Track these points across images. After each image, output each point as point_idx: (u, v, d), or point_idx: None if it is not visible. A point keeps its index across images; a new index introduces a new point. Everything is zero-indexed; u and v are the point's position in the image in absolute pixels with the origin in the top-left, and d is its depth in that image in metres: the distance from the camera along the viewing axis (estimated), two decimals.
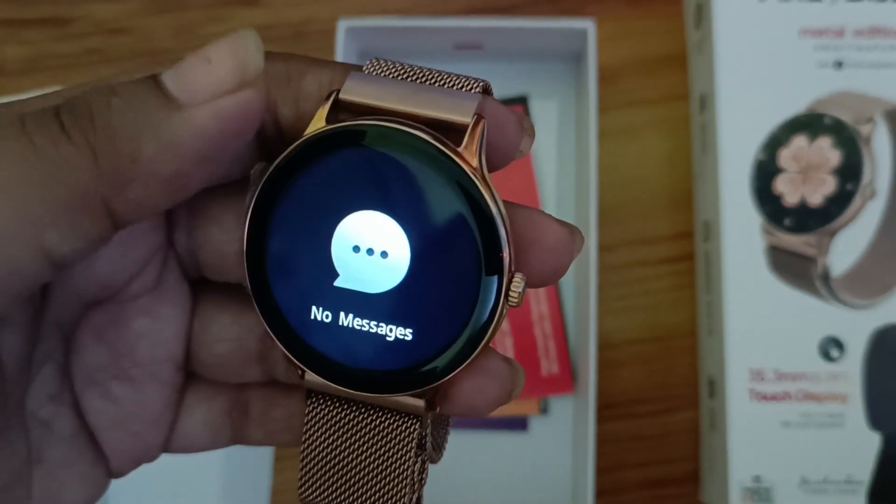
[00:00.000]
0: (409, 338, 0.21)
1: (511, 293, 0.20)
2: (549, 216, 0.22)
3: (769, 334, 0.42)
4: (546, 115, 0.48)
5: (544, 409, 0.47)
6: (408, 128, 0.20)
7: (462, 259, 0.20)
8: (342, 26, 0.44)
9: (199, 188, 0.20)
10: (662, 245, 0.48)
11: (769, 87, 0.43)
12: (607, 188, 0.47)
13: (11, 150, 0.17)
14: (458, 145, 0.20)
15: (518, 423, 0.47)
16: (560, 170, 0.48)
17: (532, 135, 0.22)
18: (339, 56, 0.44)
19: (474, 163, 0.20)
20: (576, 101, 0.48)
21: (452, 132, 0.20)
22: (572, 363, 0.47)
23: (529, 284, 0.21)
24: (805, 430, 0.42)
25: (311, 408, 0.22)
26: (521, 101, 0.48)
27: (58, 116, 0.18)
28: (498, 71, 0.49)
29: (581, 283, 0.46)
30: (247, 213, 0.21)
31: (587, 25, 0.44)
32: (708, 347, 0.45)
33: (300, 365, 0.21)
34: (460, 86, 0.21)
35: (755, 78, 0.43)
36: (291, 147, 0.21)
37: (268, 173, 0.21)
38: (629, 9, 0.50)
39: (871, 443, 0.41)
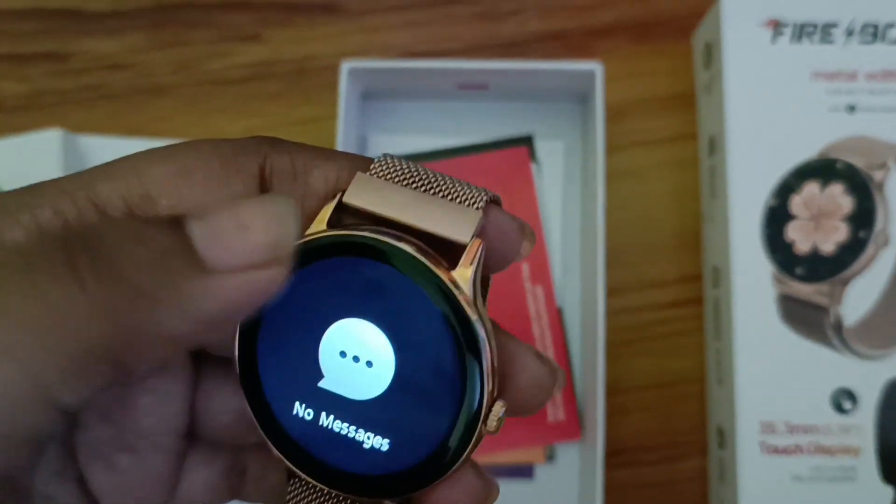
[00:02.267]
0: (385, 448, 0.21)
1: (489, 420, 0.20)
2: (533, 352, 0.22)
3: (780, 385, 0.41)
4: (552, 154, 0.48)
5: (550, 457, 0.46)
6: (403, 244, 0.20)
7: (444, 382, 0.20)
8: (345, 68, 0.43)
9: (200, 346, 0.20)
10: (670, 288, 0.47)
11: (780, 131, 0.43)
12: (613, 230, 0.47)
13: (17, 305, 0.16)
14: (456, 261, 0.20)
15: (524, 471, 0.46)
16: (565, 210, 0.47)
17: (533, 240, 0.22)
18: (342, 93, 0.43)
19: (466, 285, 0.20)
20: (582, 141, 0.48)
21: (451, 247, 0.20)
22: (579, 409, 0.46)
23: (509, 412, 0.21)
24: (817, 485, 0.41)
25: (292, 489, 0.22)
26: (526, 142, 0.47)
27: (70, 256, 0.17)
28: (503, 110, 0.48)
29: (588, 327, 0.45)
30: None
31: (594, 68, 0.43)
32: (717, 397, 0.44)
33: (281, 457, 0.21)
34: (464, 198, 0.21)
35: (766, 121, 0.43)
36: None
37: None
38: (637, 47, 0.49)
39: (885, 497, 0.40)
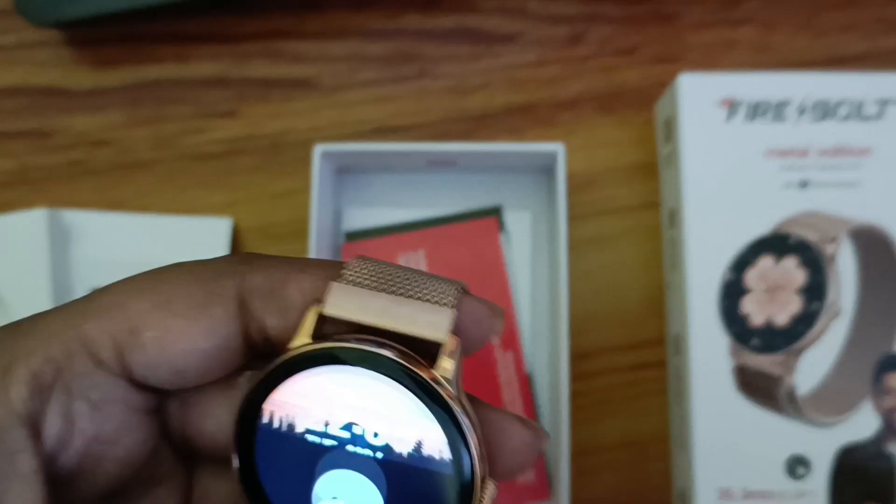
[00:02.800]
0: None
1: (483, 499, 0.22)
2: (516, 418, 0.23)
3: (737, 452, 0.43)
4: (520, 224, 0.49)
5: None
6: (385, 350, 0.22)
7: (438, 478, 0.22)
8: (318, 150, 0.45)
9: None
10: (636, 352, 0.49)
11: (736, 206, 0.44)
12: (581, 296, 0.48)
13: None
14: (435, 355, 0.22)
15: None
16: (534, 277, 0.49)
17: (502, 319, 0.24)
18: (315, 174, 0.45)
19: (451, 376, 0.22)
20: (548, 211, 0.49)
21: (432, 344, 0.22)
22: (548, 471, 0.48)
23: (501, 477, 0.23)
24: None
25: None
26: (495, 212, 0.49)
27: None
28: (471, 183, 0.50)
29: (556, 391, 0.47)
30: (237, 418, 0.23)
31: (556, 148, 0.45)
32: (678, 461, 0.46)
33: None
34: (436, 297, 0.23)
35: (722, 197, 0.44)
36: (276, 363, 0.22)
37: (255, 384, 0.22)
38: (601, 117, 0.51)
39: None
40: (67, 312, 0.22)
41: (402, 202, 0.50)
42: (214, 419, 0.24)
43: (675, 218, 0.46)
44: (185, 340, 0.22)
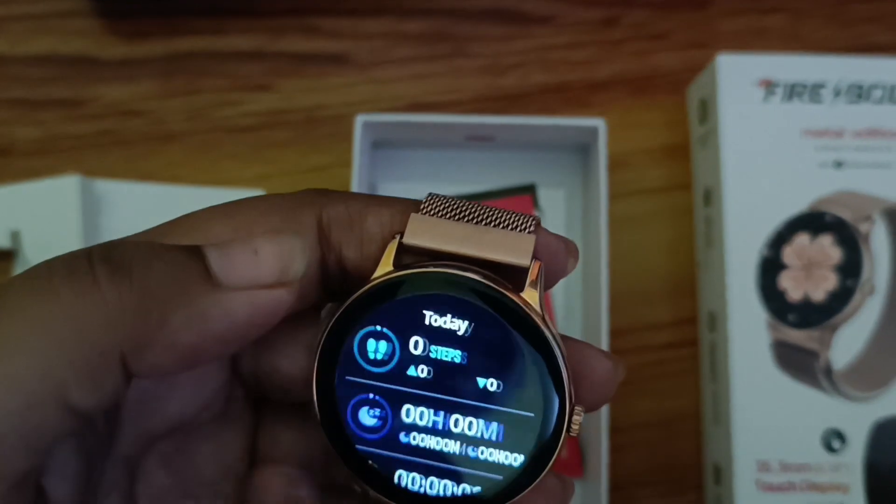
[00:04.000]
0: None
1: (573, 424, 0.22)
2: (597, 349, 0.23)
3: (774, 426, 0.43)
4: (554, 203, 0.50)
5: None
6: (471, 273, 0.22)
7: (528, 394, 0.22)
8: (359, 120, 0.45)
9: (208, 363, 0.21)
10: (666, 331, 0.50)
11: (773, 185, 0.45)
12: (612, 275, 0.49)
13: (36, 306, 0.18)
14: (518, 282, 0.22)
15: None
16: None
17: (576, 255, 0.24)
18: (357, 145, 0.45)
19: (536, 304, 0.22)
20: (583, 190, 0.50)
21: (512, 270, 0.22)
22: (581, 447, 0.48)
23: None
24: None
25: None
26: (529, 190, 0.49)
27: (90, 263, 0.18)
28: (507, 160, 0.50)
29: None
30: (317, 352, 0.22)
31: (598, 124, 0.45)
32: (714, 435, 0.46)
33: (369, 489, 0.23)
34: (515, 225, 0.23)
35: (760, 175, 0.45)
36: (363, 289, 0.22)
37: (339, 313, 0.22)
38: (633, 99, 0.51)
39: None
40: (149, 233, 0.22)
41: (437, 177, 0.50)
42: (288, 358, 0.24)
43: (711, 196, 0.47)
44: None
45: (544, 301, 0.22)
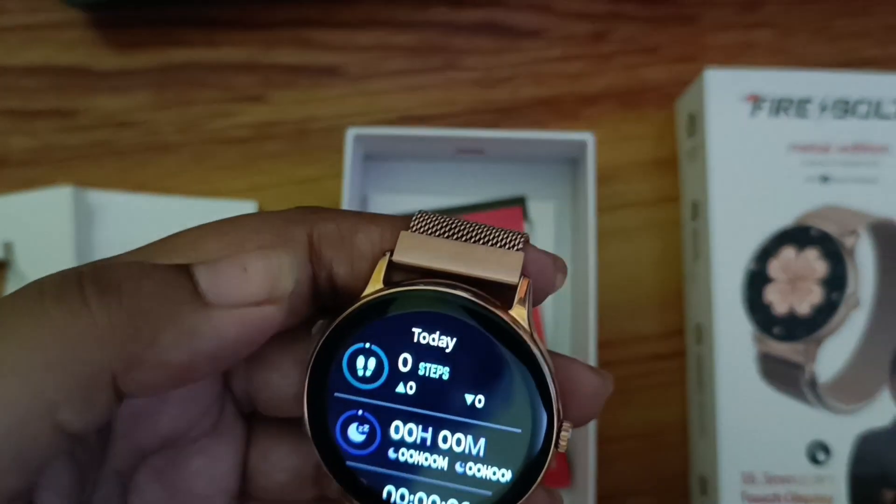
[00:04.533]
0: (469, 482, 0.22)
1: (561, 441, 0.22)
2: (585, 365, 0.24)
3: (760, 438, 0.44)
4: (543, 215, 0.50)
5: None
6: (460, 291, 0.22)
7: (515, 410, 0.22)
8: (350, 134, 0.45)
9: (198, 381, 0.21)
10: (654, 343, 0.50)
11: (760, 199, 0.46)
12: (601, 287, 0.49)
13: (27, 327, 0.18)
14: (507, 299, 0.22)
15: None
16: None
17: (564, 271, 0.24)
18: (348, 158, 0.45)
19: (524, 321, 0.22)
20: (572, 202, 0.50)
21: (501, 288, 0.22)
22: (569, 458, 0.48)
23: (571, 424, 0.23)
24: None
25: None
26: (519, 202, 0.50)
27: (80, 285, 0.18)
28: (497, 172, 0.50)
29: None
30: (307, 368, 0.23)
31: (586, 138, 0.46)
32: (700, 447, 0.47)
33: None
34: (504, 243, 0.23)
35: (746, 189, 0.46)
36: (352, 308, 0.22)
37: (330, 329, 0.23)
38: (623, 112, 0.52)
39: None
40: (141, 251, 0.22)
41: (428, 190, 0.50)
42: (279, 373, 0.24)
43: (698, 210, 0.47)
44: None
45: (532, 317, 0.23)
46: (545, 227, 0.50)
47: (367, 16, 0.52)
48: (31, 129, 0.51)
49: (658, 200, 0.51)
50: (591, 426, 0.44)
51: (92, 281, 0.19)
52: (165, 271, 0.20)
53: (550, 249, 0.49)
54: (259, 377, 0.24)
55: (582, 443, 0.45)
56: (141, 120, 0.51)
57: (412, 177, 0.50)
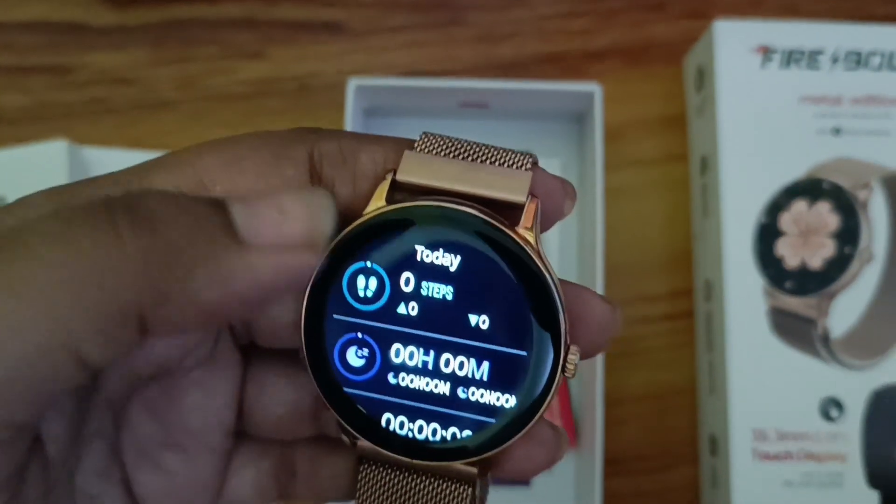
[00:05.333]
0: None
1: (567, 365, 0.21)
2: (595, 293, 0.23)
3: (771, 395, 0.43)
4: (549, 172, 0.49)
5: None
6: (467, 207, 0.21)
7: (521, 332, 0.21)
8: (352, 85, 0.45)
9: (225, 324, 0.20)
10: (662, 303, 0.49)
11: (770, 152, 0.45)
12: (608, 246, 0.48)
13: (53, 251, 0.17)
14: (514, 220, 0.21)
15: (521, 480, 0.47)
16: (562, 227, 0.49)
17: (574, 197, 0.23)
18: (349, 110, 0.44)
19: (532, 240, 0.21)
20: (578, 160, 0.49)
21: (507, 208, 0.21)
22: (575, 419, 0.47)
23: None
24: (806, 490, 0.42)
25: (363, 473, 0.23)
26: None
27: (111, 212, 0.17)
28: (501, 129, 0.49)
29: None
30: (306, 289, 0.22)
31: (594, 89, 0.45)
32: (709, 406, 0.46)
33: (356, 434, 0.22)
34: (511, 163, 0.22)
35: (757, 142, 0.45)
36: (354, 225, 0.21)
37: (329, 249, 0.21)
38: (630, 70, 0.51)
39: (871, 501, 0.42)
40: (137, 167, 0.21)
41: None
42: (279, 301, 0.23)
43: (707, 164, 0.46)
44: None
45: (540, 240, 0.21)
46: None
47: None
48: (26, 86, 0.50)
49: (666, 159, 0.50)
50: (598, 388, 0.43)
51: (125, 210, 0.17)
52: (202, 206, 0.18)
53: None
54: None
55: (589, 405, 0.44)
56: (138, 77, 0.50)
57: (415, 132, 0.49)
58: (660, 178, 0.50)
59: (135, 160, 0.51)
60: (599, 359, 0.43)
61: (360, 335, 0.22)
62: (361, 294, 0.22)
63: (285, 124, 0.49)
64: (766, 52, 0.45)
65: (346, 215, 0.22)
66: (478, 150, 0.22)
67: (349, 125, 0.44)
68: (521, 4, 0.51)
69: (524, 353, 0.21)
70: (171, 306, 0.18)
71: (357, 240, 0.21)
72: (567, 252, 0.49)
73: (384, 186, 0.21)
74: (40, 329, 0.16)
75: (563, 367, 0.21)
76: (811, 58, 0.45)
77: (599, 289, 0.44)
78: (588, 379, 0.45)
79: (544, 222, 0.22)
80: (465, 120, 0.49)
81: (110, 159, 0.48)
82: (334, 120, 0.49)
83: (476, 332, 0.21)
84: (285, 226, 0.19)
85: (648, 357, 0.49)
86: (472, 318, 0.21)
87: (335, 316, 0.22)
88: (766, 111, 0.45)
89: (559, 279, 0.22)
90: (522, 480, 0.40)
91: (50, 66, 0.51)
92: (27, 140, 0.49)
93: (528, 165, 0.22)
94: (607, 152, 0.49)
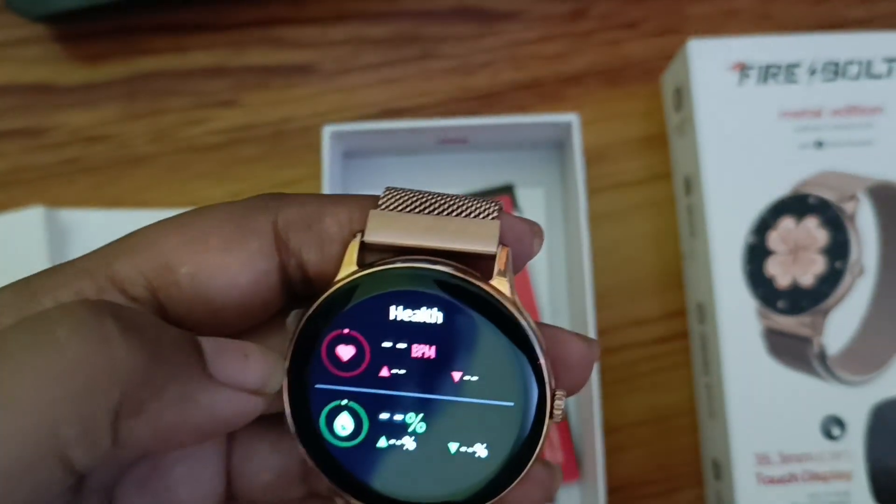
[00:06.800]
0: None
1: (555, 410, 0.21)
2: (571, 333, 0.23)
3: (771, 417, 0.42)
4: (533, 202, 0.49)
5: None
6: (438, 265, 0.21)
7: (505, 383, 0.21)
8: (327, 131, 0.44)
9: (167, 451, 0.21)
10: (655, 325, 0.48)
11: (754, 170, 0.44)
12: (597, 271, 0.48)
13: (39, 357, 0.16)
14: (486, 269, 0.21)
15: None
16: (550, 255, 0.48)
17: (542, 237, 0.23)
18: (326, 157, 0.44)
19: (507, 291, 0.21)
20: (562, 186, 0.49)
21: (479, 259, 0.21)
22: (576, 450, 0.47)
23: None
24: None
25: None
26: (507, 191, 0.48)
27: (99, 318, 0.17)
28: (482, 161, 0.49)
29: None
30: (287, 358, 0.22)
31: (571, 119, 0.44)
32: (710, 430, 0.45)
33: (349, 498, 0.22)
34: (478, 212, 0.22)
35: (739, 160, 0.44)
36: (328, 293, 0.21)
37: (304, 319, 0.22)
38: (608, 91, 0.50)
39: None
40: (97, 253, 0.21)
41: (413, 183, 0.48)
42: None
43: (691, 185, 0.46)
44: (221, 275, 0.21)
45: (514, 287, 0.21)
46: (535, 214, 0.49)
47: (337, 10, 0.51)
48: (1, 151, 0.50)
49: (650, 178, 0.50)
50: (597, 415, 0.43)
51: (113, 316, 0.18)
52: (179, 333, 0.19)
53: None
54: None
55: (588, 434, 0.44)
56: (111, 133, 0.50)
57: (395, 172, 0.49)
58: (646, 198, 0.49)
59: (113, 220, 0.50)
60: (596, 386, 0.43)
61: (345, 402, 0.22)
62: (342, 361, 0.22)
63: (263, 171, 0.49)
64: (743, 69, 0.45)
65: (317, 282, 0.22)
66: (443, 202, 0.22)
67: (326, 171, 0.44)
68: (492, 33, 0.51)
69: (511, 403, 0.21)
70: (139, 418, 0.18)
71: (332, 307, 0.21)
72: (557, 280, 0.48)
73: (353, 249, 0.21)
74: (30, 442, 0.16)
75: (552, 412, 0.21)
76: (788, 71, 0.45)
77: (590, 314, 0.43)
78: (586, 408, 0.44)
79: (516, 264, 0.23)
80: (445, 154, 0.49)
81: (88, 221, 0.48)
82: (312, 163, 0.49)
83: (460, 388, 0.21)
84: (247, 369, 0.20)
85: (646, 380, 0.48)
86: (456, 375, 0.21)
87: (317, 385, 0.22)
88: (747, 129, 0.44)
89: (536, 323, 0.22)
90: None
91: (22, 129, 0.50)
92: (4, 206, 0.48)
93: (495, 213, 0.22)
94: (591, 175, 0.49)
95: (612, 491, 0.46)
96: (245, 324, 0.23)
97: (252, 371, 0.20)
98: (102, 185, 0.49)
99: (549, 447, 0.47)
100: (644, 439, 0.48)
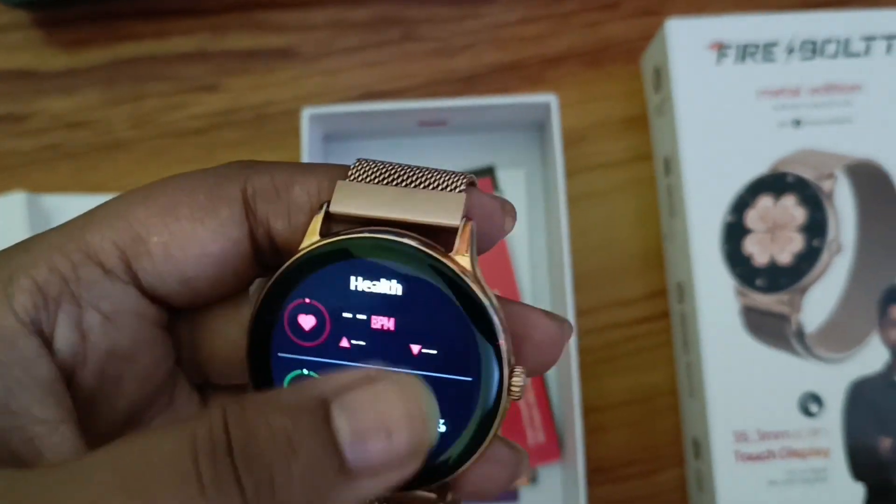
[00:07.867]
0: None
1: (513, 388, 0.21)
2: (540, 311, 0.23)
3: (749, 394, 0.43)
4: (514, 183, 0.49)
5: (533, 479, 0.47)
6: (401, 237, 0.21)
7: (465, 358, 0.21)
8: (306, 114, 0.44)
9: None
10: (637, 305, 0.49)
11: (732, 149, 0.44)
12: (579, 252, 0.48)
13: None
14: (450, 244, 0.21)
15: (509, 495, 0.47)
16: (531, 236, 0.49)
17: (514, 216, 0.23)
18: (304, 140, 0.44)
19: (466, 264, 0.21)
20: (542, 168, 0.49)
21: (443, 232, 0.21)
22: (558, 431, 0.47)
23: (528, 372, 0.22)
24: (791, 487, 0.42)
25: None
26: (488, 173, 0.48)
27: (237, 475, 0.16)
28: (463, 144, 0.49)
29: None
30: (249, 328, 0.22)
31: (550, 99, 0.44)
32: (690, 409, 0.45)
33: None
34: (445, 185, 0.22)
35: (718, 140, 0.44)
36: (290, 262, 0.21)
37: (266, 288, 0.22)
38: (588, 72, 0.50)
39: (857, 494, 0.42)
40: (68, 226, 0.21)
41: None
42: (224, 339, 0.23)
43: (670, 165, 0.46)
44: (192, 244, 0.21)
45: (476, 261, 0.21)
46: (516, 196, 0.49)
47: None
48: None
49: (631, 159, 0.50)
50: (576, 396, 0.43)
51: (247, 471, 0.16)
52: (311, 442, 0.17)
53: (523, 217, 0.48)
54: (205, 346, 0.24)
55: (569, 414, 0.44)
56: (93, 119, 0.50)
57: (376, 154, 0.48)
58: (627, 179, 0.50)
59: (95, 205, 0.50)
60: (575, 366, 0.43)
61: (305, 371, 0.22)
62: (303, 330, 0.22)
63: (245, 155, 0.49)
64: (721, 49, 0.45)
65: (285, 251, 0.22)
66: (412, 174, 0.22)
67: (306, 154, 0.44)
68: (473, 15, 0.51)
69: (470, 378, 0.21)
70: None
71: (294, 276, 0.21)
72: (538, 261, 0.48)
73: (318, 219, 0.21)
74: None
75: (510, 389, 0.21)
76: (766, 50, 0.45)
77: (569, 295, 0.43)
78: (566, 388, 0.45)
79: (485, 241, 0.23)
80: (425, 137, 0.49)
81: (70, 206, 0.48)
82: (294, 146, 0.49)
83: (420, 361, 0.21)
84: (391, 449, 0.17)
85: (628, 361, 0.48)
86: (415, 348, 0.21)
87: (279, 354, 0.22)
88: (725, 108, 0.44)
89: (503, 299, 0.22)
90: (485, 500, 0.39)
91: (3, 115, 0.50)
92: None
93: (462, 186, 0.22)
94: (571, 156, 0.49)
95: (594, 471, 0.46)
96: (219, 294, 0.23)
97: (400, 450, 0.17)
98: (84, 170, 0.49)
99: (531, 428, 0.47)
100: (626, 420, 0.48)
